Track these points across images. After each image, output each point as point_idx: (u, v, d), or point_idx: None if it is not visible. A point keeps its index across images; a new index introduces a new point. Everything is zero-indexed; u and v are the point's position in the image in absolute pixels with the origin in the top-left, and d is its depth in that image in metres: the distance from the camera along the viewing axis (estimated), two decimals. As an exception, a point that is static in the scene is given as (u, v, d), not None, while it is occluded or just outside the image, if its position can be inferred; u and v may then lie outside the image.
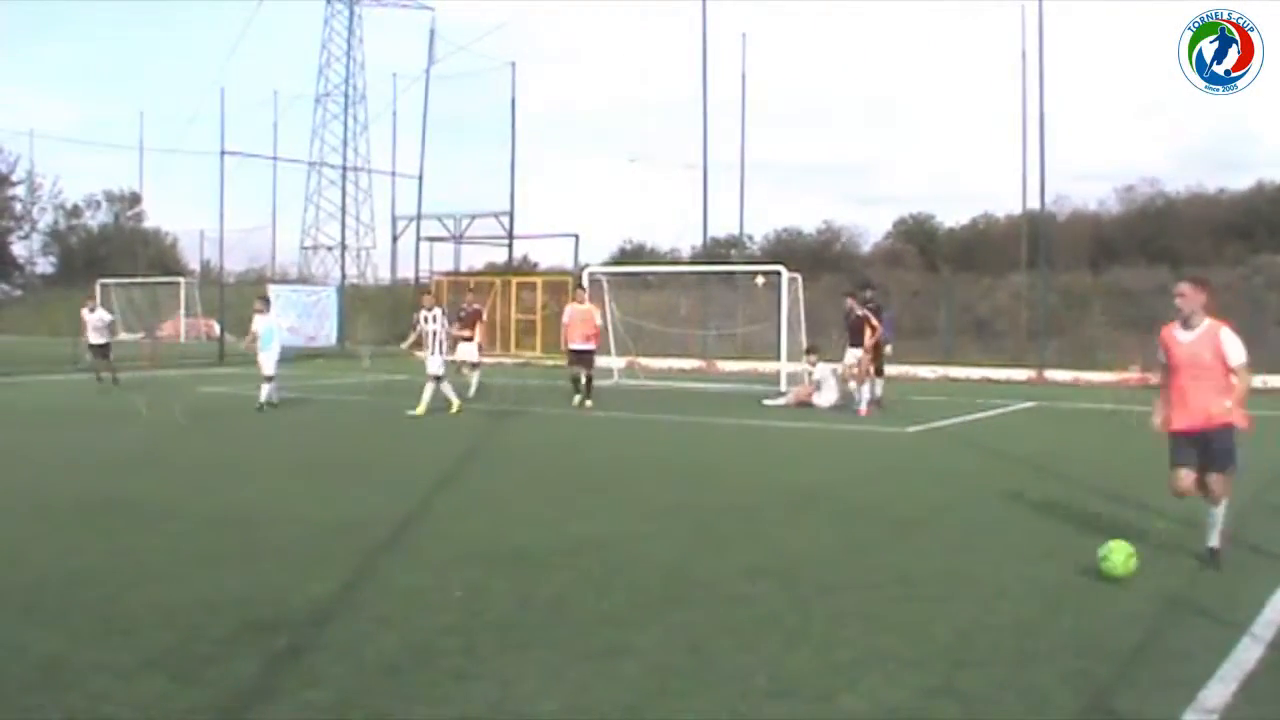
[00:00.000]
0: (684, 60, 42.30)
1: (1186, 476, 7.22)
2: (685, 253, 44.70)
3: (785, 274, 24.44)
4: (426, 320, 17.59)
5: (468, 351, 20.94)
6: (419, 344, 17.95)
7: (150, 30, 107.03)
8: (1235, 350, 7.11)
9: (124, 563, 7.16)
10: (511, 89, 39.04)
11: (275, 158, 51.95)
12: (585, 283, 22.19)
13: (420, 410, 16.98)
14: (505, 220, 39.56)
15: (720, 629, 5.74)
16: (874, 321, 18.36)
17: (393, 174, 46.03)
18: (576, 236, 38.18)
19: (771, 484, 10.74)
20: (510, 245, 40.54)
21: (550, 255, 56.54)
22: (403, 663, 5.17)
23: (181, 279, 52.70)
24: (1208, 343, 7.11)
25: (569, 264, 37.02)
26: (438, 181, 40.87)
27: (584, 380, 18.84)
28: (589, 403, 18.64)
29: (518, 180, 39.32)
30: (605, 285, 27.24)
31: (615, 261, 46.93)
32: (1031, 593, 6.52)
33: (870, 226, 76.87)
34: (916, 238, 52.62)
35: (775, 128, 72.04)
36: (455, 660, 5.20)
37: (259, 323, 18.50)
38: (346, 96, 63.20)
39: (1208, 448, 7.17)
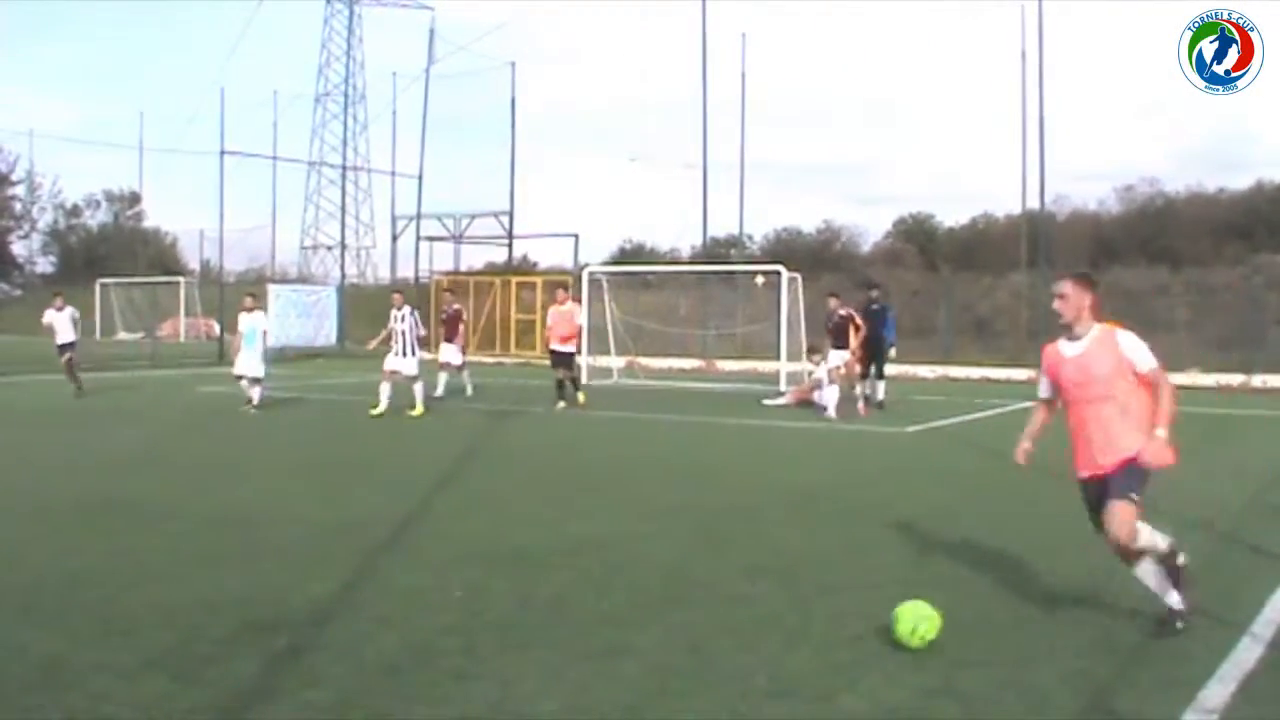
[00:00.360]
0: (684, 60, 42.24)
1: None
2: (685, 252, 44.76)
3: (785, 274, 24.45)
4: (396, 319, 17.58)
5: (450, 353, 20.88)
6: (388, 343, 17.72)
7: (150, 30, 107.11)
8: (1142, 353, 5.52)
9: (124, 563, 7.16)
10: (511, 89, 39.04)
11: (275, 157, 52.02)
12: (585, 283, 22.17)
13: (418, 410, 17.00)
14: (505, 220, 39.53)
15: (720, 629, 5.74)
16: (858, 321, 18.37)
17: (392, 174, 46.06)
18: (576, 236, 38.16)
19: (771, 484, 10.74)
20: (510, 245, 40.52)
21: (550, 255, 56.56)
22: (403, 663, 5.17)
23: (181, 279, 52.80)
24: (1102, 353, 5.55)
25: (569, 264, 36.99)
26: (437, 181, 40.86)
27: (570, 381, 18.85)
28: (581, 397, 18.68)
29: (517, 180, 39.31)
30: (605, 285, 27.25)
31: (615, 261, 46.91)
32: (1031, 593, 6.51)
33: (870, 226, 77.10)
34: (916, 237, 52.66)
35: (775, 128, 72.12)
36: (455, 660, 5.20)
37: (244, 321, 18.36)
38: (346, 96, 63.24)
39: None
